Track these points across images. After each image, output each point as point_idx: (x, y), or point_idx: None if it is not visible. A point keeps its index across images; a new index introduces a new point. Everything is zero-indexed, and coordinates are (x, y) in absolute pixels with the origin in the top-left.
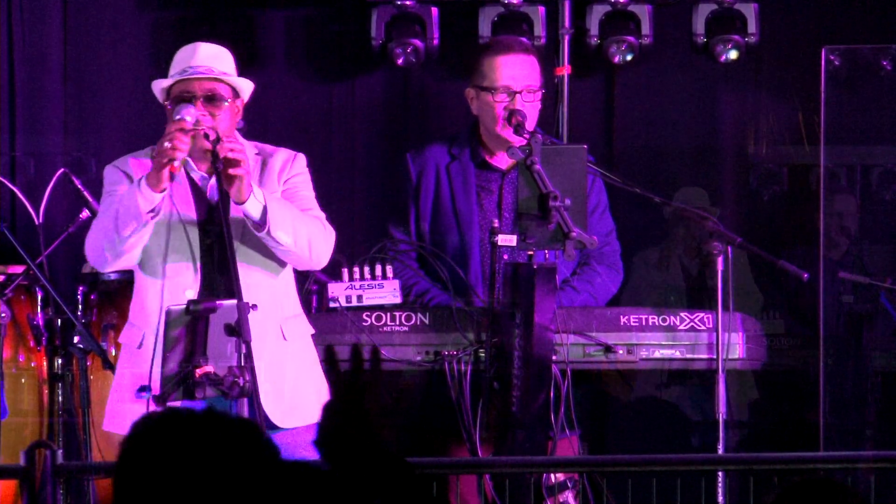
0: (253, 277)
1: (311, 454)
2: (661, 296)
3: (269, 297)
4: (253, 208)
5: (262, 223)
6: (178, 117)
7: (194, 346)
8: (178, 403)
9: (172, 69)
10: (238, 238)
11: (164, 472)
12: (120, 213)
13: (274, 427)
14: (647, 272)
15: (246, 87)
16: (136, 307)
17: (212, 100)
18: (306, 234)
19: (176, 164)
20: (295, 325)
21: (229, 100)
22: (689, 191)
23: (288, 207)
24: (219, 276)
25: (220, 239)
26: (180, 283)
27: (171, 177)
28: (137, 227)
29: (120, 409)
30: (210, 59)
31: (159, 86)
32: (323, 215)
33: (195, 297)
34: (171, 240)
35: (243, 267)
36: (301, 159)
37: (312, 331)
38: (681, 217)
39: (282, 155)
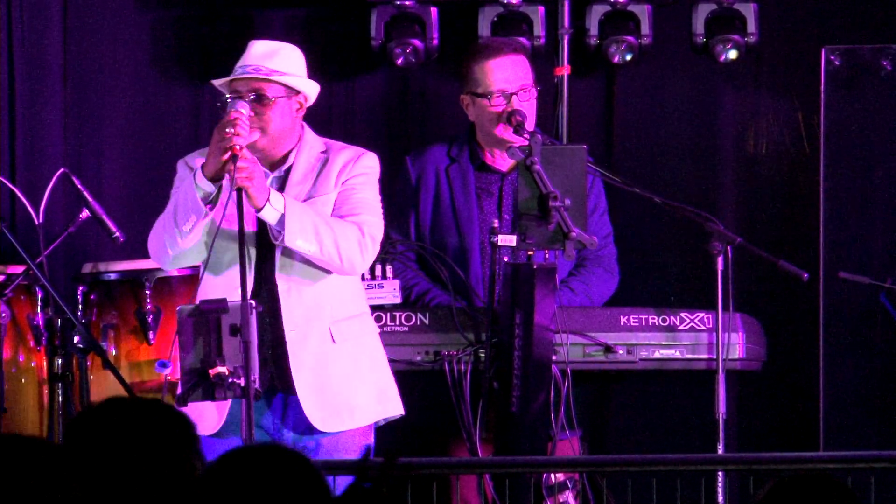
0: (296, 281)
1: (351, 457)
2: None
3: (314, 300)
4: (269, 215)
5: (278, 232)
6: (231, 110)
7: (209, 346)
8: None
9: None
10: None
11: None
12: (179, 206)
13: (312, 430)
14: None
15: (303, 84)
16: None
17: (258, 99)
18: (333, 241)
19: (238, 148)
20: (348, 327)
21: (280, 98)
22: None
23: (313, 214)
24: (261, 276)
25: (259, 242)
26: (235, 283)
27: (234, 159)
28: (197, 220)
29: (194, 407)
30: (261, 57)
31: (216, 84)
32: (371, 220)
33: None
34: (229, 239)
35: (286, 272)
36: (365, 160)
37: (375, 330)
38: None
39: (345, 154)
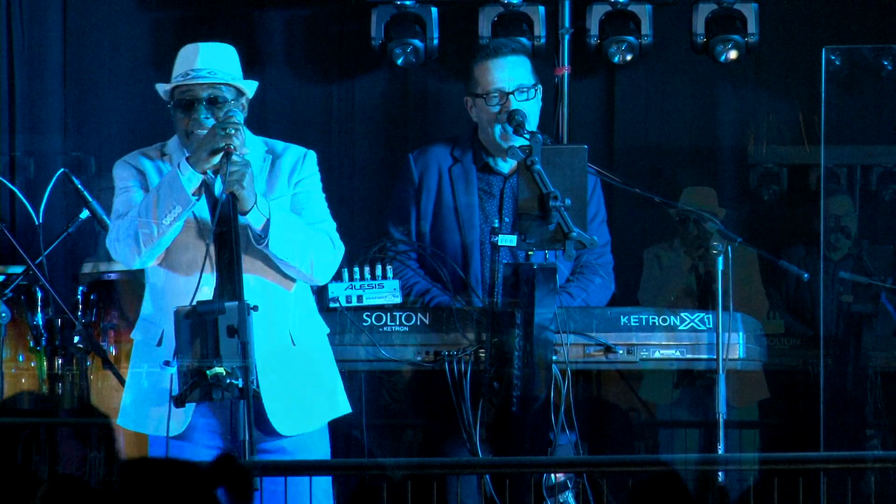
0: (261, 282)
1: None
2: (672, 296)
3: (277, 303)
4: (255, 220)
5: (263, 236)
6: (229, 116)
7: (205, 347)
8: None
9: (175, 70)
10: (244, 244)
11: None
12: (160, 200)
13: (276, 434)
14: (658, 272)
15: (250, 88)
16: (154, 304)
17: (214, 102)
18: (311, 253)
19: (232, 147)
20: (308, 330)
21: (232, 100)
22: (700, 190)
23: (294, 225)
24: (227, 277)
25: (229, 239)
26: (193, 285)
27: (228, 157)
28: (183, 211)
29: (137, 407)
30: (212, 61)
31: (162, 88)
32: (333, 226)
33: (211, 297)
34: (192, 237)
35: (251, 271)
36: (311, 158)
37: (324, 330)
38: (684, 218)
39: (291, 155)
